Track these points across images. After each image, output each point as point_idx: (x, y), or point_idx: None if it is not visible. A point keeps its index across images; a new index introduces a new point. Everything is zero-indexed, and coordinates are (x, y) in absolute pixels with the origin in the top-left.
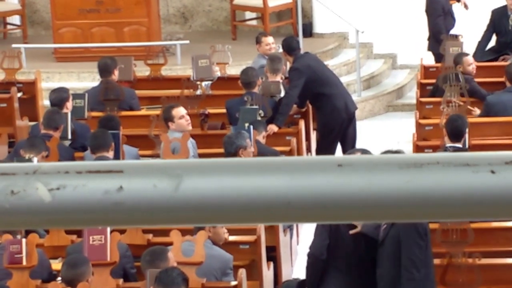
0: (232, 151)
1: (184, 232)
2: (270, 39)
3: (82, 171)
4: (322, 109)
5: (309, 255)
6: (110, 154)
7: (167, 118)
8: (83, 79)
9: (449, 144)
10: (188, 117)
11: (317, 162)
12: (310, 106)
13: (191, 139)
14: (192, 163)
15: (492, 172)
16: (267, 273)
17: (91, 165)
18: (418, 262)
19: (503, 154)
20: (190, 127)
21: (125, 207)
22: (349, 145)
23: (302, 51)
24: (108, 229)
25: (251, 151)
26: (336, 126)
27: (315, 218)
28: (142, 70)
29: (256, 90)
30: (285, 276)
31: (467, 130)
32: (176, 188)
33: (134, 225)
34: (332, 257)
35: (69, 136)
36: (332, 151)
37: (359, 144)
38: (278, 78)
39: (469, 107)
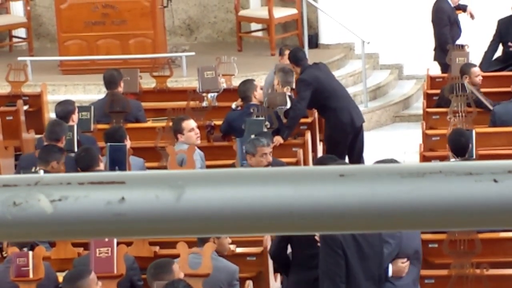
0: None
1: (190, 244)
2: None
3: (84, 182)
4: (328, 122)
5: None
6: (101, 166)
7: (177, 130)
8: (89, 92)
9: (453, 159)
10: (197, 131)
11: (319, 172)
12: (316, 117)
13: (199, 151)
14: (193, 173)
15: (495, 181)
16: (275, 284)
17: (93, 176)
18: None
19: (506, 163)
20: (199, 141)
21: (127, 218)
22: (355, 157)
23: (309, 62)
24: (115, 241)
25: (262, 160)
26: (341, 140)
27: (317, 228)
28: (148, 82)
29: (254, 101)
30: None
31: (470, 144)
32: (178, 199)
33: (136, 236)
34: (295, 254)
35: (75, 149)
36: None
37: (366, 155)
38: (287, 91)
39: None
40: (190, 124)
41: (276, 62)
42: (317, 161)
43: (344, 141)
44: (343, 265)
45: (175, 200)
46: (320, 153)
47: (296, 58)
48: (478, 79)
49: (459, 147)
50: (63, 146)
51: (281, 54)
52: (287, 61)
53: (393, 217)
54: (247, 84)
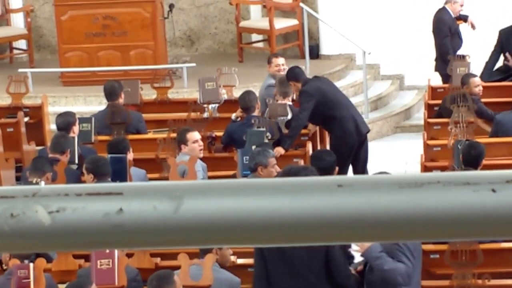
0: (252, 167)
1: (191, 255)
2: (280, 60)
3: (81, 193)
4: (334, 132)
5: None
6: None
7: (181, 140)
8: (89, 103)
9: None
10: (201, 143)
11: (317, 183)
12: (317, 128)
13: (202, 162)
14: (192, 184)
15: (493, 190)
16: None
17: (91, 187)
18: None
19: (504, 173)
20: (201, 154)
21: (125, 229)
22: (359, 167)
23: (309, 73)
24: (116, 253)
25: (272, 170)
26: (347, 149)
27: (316, 239)
28: (148, 94)
29: (256, 113)
30: None
31: (483, 158)
32: (176, 210)
33: (134, 248)
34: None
35: (76, 160)
36: (345, 174)
37: (368, 166)
38: (287, 101)
39: (482, 124)
40: (194, 135)
41: (267, 73)
42: (313, 155)
43: (349, 151)
44: (262, 265)
45: (173, 211)
46: None
47: (295, 74)
48: (478, 89)
49: (469, 159)
50: (67, 159)
51: (268, 62)
52: (275, 69)
53: (392, 228)
54: (251, 95)
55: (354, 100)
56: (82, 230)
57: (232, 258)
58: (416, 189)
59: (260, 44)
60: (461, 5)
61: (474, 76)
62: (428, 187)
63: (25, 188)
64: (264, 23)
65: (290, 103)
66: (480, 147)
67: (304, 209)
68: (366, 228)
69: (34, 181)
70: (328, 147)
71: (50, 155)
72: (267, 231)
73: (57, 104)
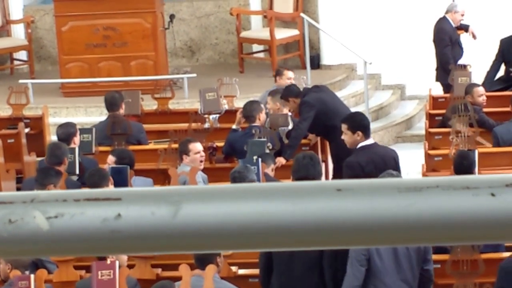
0: None
1: (192, 266)
2: (291, 74)
3: (80, 199)
4: (334, 141)
5: None
6: (111, 187)
7: (183, 151)
8: (90, 114)
9: None
10: (203, 154)
11: (316, 187)
12: (318, 138)
13: (203, 174)
14: (190, 189)
15: (492, 195)
16: None
17: (89, 193)
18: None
19: (503, 177)
20: (202, 166)
21: (124, 235)
22: None
23: (310, 84)
24: (117, 264)
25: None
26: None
27: (315, 243)
28: (149, 104)
29: (258, 123)
30: None
31: (475, 168)
32: (175, 215)
33: (132, 253)
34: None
35: (77, 171)
36: None
37: None
38: (287, 110)
39: (479, 139)
40: (197, 146)
41: (272, 84)
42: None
43: None
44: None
45: (171, 216)
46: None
47: (292, 92)
48: (481, 99)
49: (462, 170)
50: (65, 168)
51: (278, 74)
52: (286, 82)
53: (391, 232)
54: (254, 105)
55: (355, 110)
56: (80, 235)
57: (234, 268)
58: (415, 194)
59: (261, 55)
60: (462, 15)
61: (478, 85)
62: (427, 191)
63: (23, 194)
64: (265, 33)
65: (291, 113)
66: (471, 157)
67: (303, 213)
68: (365, 233)
69: None
70: (329, 157)
71: (42, 167)
72: (266, 236)
73: (57, 115)
